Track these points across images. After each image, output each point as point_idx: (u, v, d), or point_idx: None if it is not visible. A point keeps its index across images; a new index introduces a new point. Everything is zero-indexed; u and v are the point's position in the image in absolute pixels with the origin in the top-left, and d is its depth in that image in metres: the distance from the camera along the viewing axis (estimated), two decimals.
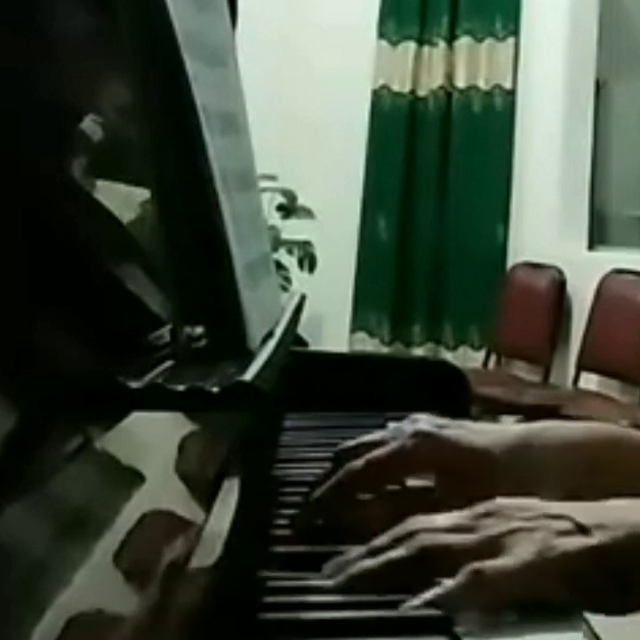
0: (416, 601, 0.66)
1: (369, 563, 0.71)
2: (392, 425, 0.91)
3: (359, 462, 0.83)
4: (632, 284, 3.98)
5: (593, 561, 0.67)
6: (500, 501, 0.73)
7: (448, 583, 0.67)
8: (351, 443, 0.87)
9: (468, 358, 4.59)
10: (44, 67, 0.73)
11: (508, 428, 0.89)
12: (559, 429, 0.87)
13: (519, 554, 0.67)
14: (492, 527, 0.70)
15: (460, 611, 0.66)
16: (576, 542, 0.67)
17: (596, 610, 0.69)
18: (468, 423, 0.90)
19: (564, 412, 3.71)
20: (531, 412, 3.78)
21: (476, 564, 0.67)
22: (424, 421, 0.86)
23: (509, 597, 0.68)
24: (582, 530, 0.68)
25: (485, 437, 0.85)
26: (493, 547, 0.68)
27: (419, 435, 0.84)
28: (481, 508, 0.73)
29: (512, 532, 0.69)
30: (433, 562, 0.69)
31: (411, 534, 0.71)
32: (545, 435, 0.85)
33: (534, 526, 0.69)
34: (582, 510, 0.70)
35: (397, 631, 0.64)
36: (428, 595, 0.66)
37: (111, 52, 0.73)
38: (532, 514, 0.70)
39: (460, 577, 0.66)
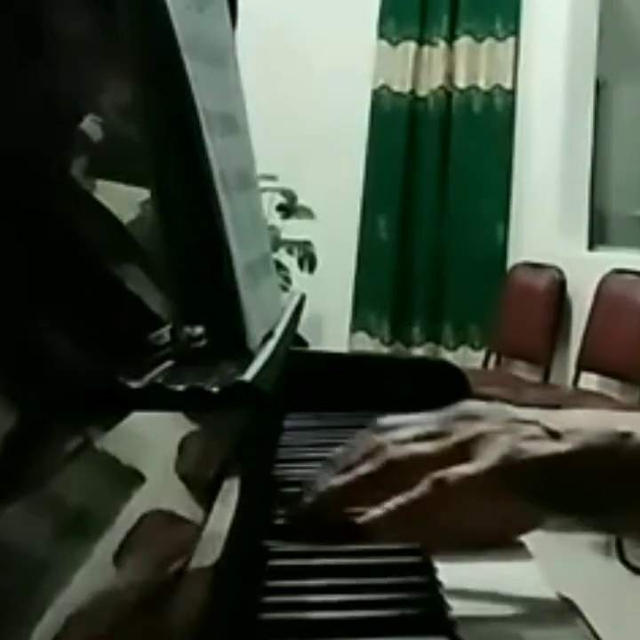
0: (376, 511, 0.66)
1: (338, 480, 0.70)
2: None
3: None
4: (632, 283, 3.98)
5: (561, 466, 0.66)
6: (470, 404, 0.73)
7: (411, 494, 0.66)
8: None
9: (468, 358, 4.59)
10: (45, 67, 0.73)
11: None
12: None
13: (484, 458, 0.67)
14: (461, 432, 0.69)
15: (423, 523, 0.66)
16: (545, 447, 0.67)
17: (562, 513, 0.68)
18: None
19: None
20: None
21: (439, 472, 0.66)
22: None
23: (474, 503, 0.67)
24: (553, 435, 0.67)
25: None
26: (460, 452, 0.68)
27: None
28: (451, 411, 0.72)
29: (479, 436, 0.68)
30: (401, 473, 0.69)
31: (378, 448, 0.71)
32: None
33: (502, 430, 0.68)
34: (553, 416, 0.70)
35: (397, 631, 0.64)
36: (390, 504, 0.66)
37: (111, 52, 0.73)
38: (502, 418, 0.70)
39: (422, 486, 0.66)
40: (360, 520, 0.67)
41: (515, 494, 0.67)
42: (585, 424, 0.68)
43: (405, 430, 0.72)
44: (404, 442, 0.71)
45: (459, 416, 0.71)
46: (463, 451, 0.68)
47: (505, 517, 0.71)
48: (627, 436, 0.66)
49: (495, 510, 0.69)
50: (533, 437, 0.68)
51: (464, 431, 0.70)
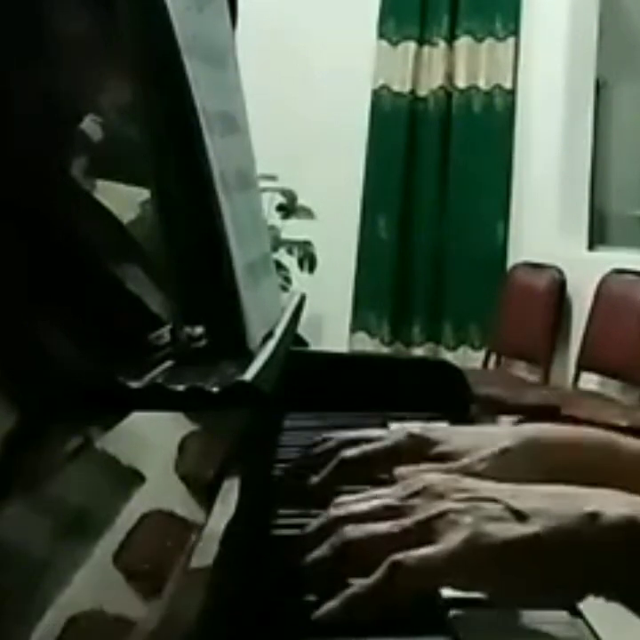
0: (332, 603, 0.64)
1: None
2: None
3: (355, 451, 0.85)
4: (632, 283, 3.98)
5: (526, 551, 0.63)
6: (429, 477, 0.70)
7: (364, 581, 0.64)
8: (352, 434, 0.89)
9: (468, 358, 4.59)
10: (45, 67, 0.73)
11: (504, 431, 0.88)
12: (552, 431, 0.85)
13: (447, 541, 0.64)
14: (420, 510, 0.67)
15: (376, 609, 0.63)
16: (511, 530, 0.64)
17: (525, 601, 0.66)
18: (464, 428, 0.90)
19: (564, 412, 3.70)
20: (531, 412, 3.78)
21: (398, 555, 0.63)
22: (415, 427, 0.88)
23: (432, 587, 0.65)
24: (517, 516, 0.65)
25: (482, 441, 0.84)
26: (421, 533, 0.65)
27: (408, 437, 0.86)
28: (409, 484, 0.70)
29: (440, 515, 0.66)
30: (359, 552, 0.66)
31: (335, 523, 0.69)
32: (539, 435, 0.84)
33: (464, 509, 0.65)
34: (518, 493, 0.67)
35: (397, 631, 0.64)
36: (342, 597, 0.63)
37: (111, 52, 0.73)
38: (463, 495, 0.67)
39: (379, 571, 0.63)
40: (315, 615, 0.64)
41: (474, 581, 0.64)
42: (550, 504, 0.65)
43: (362, 504, 0.70)
44: (362, 518, 0.68)
45: (416, 491, 0.69)
46: (423, 530, 0.65)
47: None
48: (594, 516, 0.63)
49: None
50: (497, 519, 0.65)
51: (424, 509, 0.67)
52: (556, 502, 0.66)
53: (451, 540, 0.64)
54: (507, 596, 0.65)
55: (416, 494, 0.69)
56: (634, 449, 0.83)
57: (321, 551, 0.67)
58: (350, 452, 0.85)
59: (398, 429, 0.89)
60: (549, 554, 0.63)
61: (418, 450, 0.84)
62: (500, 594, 0.65)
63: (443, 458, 0.83)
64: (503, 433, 0.85)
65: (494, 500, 0.66)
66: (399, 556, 0.63)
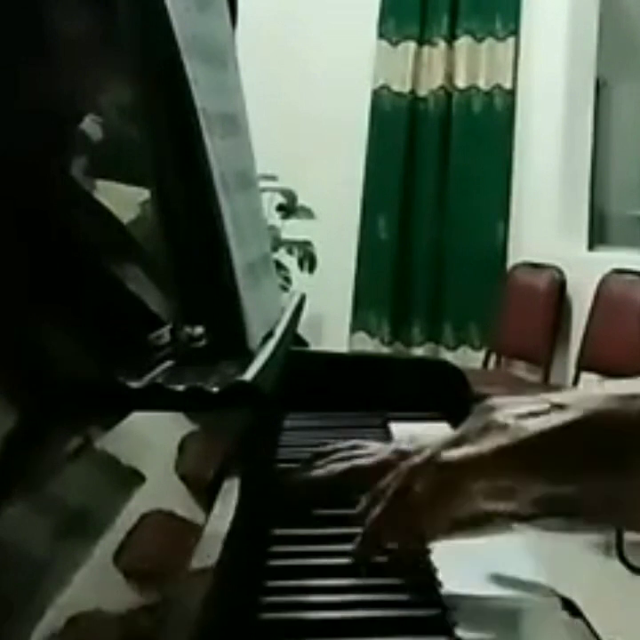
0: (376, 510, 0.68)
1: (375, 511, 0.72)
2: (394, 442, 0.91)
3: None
4: (632, 284, 3.98)
5: (565, 437, 0.66)
6: (497, 400, 0.73)
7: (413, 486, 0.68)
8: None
9: (468, 358, 4.59)
10: (46, 68, 0.73)
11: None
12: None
13: (489, 440, 0.68)
14: (467, 424, 0.71)
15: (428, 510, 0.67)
16: (549, 420, 0.67)
17: (570, 482, 0.68)
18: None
19: None
20: None
21: (442, 455, 0.68)
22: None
23: (477, 483, 0.68)
24: (560, 407, 0.68)
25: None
26: (464, 439, 0.69)
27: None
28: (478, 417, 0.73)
29: (486, 426, 0.69)
30: (420, 477, 0.70)
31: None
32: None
33: (510, 415, 0.69)
34: (566, 393, 0.70)
35: (397, 631, 0.64)
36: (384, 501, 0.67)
37: (112, 53, 0.73)
38: (511, 410, 0.70)
39: (427, 472, 0.68)
40: (364, 530, 0.68)
41: (519, 473, 0.67)
42: (595, 394, 0.69)
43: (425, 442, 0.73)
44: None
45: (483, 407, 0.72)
46: (470, 436, 0.69)
47: (503, 499, 0.70)
48: (635, 397, 0.66)
49: (496, 493, 0.68)
50: (539, 413, 0.68)
51: (472, 423, 0.70)
52: (600, 392, 0.69)
53: (492, 439, 0.68)
54: (549, 483, 0.67)
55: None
56: None
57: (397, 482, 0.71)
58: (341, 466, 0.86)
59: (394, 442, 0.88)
60: (589, 435, 0.66)
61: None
62: (542, 483, 0.67)
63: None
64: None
65: (537, 401, 0.69)
66: (443, 456, 0.68)
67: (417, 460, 0.71)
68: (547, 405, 0.68)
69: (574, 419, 0.67)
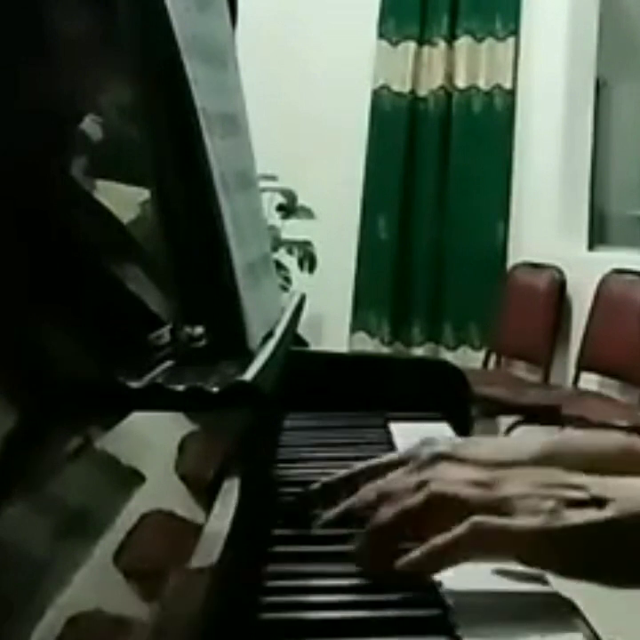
0: (415, 553, 0.67)
1: (384, 514, 0.71)
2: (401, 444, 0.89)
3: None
4: (632, 284, 3.98)
5: (602, 534, 0.66)
6: (523, 469, 0.73)
7: (448, 535, 0.67)
8: (362, 466, 0.85)
9: (468, 358, 4.59)
10: (46, 68, 0.73)
11: (528, 442, 0.87)
12: (582, 439, 0.84)
13: (524, 518, 0.67)
14: (508, 488, 0.70)
15: (454, 561, 0.67)
16: (586, 514, 0.66)
17: (604, 583, 0.68)
18: (485, 439, 0.89)
19: (564, 411, 3.70)
20: (531, 412, 3.78)
21: (479, 517, 0.67)
22: (440, 443, 0.82)
23: (504, 556, 0.68)
24: (598, 502, 0.67)
25: (508, 452, 0.83)
26: (503, 506, 0.68)
27: (438, 457, 0.78)
28: (502, 471, 0.73)
29: (526, 495, 0.69)
30: (442, 509, 0.69)
31: (424, 483, 0.72)
32: (570, 444, 0.82)
33: (548, 494, 0.68)
34: (609, 483, 0.69)
35: (397, 631, 0.64)
36: (425, 547, 0.67)
37: (112, 53, 0.73)
38: (551, 481, 0.70)
39: (460, 528, 0.66)
40: (398, 564, 0.68)
41: (541, 559, 0.67)
42: (632, 490, 0.68)
43: (454, 473, 0.73)
44: (451, 482, 0.71)
45: (508, 475, 0.72)
46: (504, 506, 0.68)
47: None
48: None
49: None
50: (578, 504, 0.67)
51: (512, 487, 0.70)
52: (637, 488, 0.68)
53: (528, 518, 0.67)
54: (572, 578, 0.67)
55: (507, 478, 0.72)
56: None
57: (411, 501, 0.71)
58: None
59: (412, 449, 0.83)
60: (622, 537, 0.66)
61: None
62: (566, 575, 0.67)
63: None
64: (533, 443, 0.84)
65: (579, 487, 0.69)
66: (481, 518, 0.67)
67: (455, 503, 0.70)
68: (584, 495, 0.68)
69: (608, 518, 0.66)
